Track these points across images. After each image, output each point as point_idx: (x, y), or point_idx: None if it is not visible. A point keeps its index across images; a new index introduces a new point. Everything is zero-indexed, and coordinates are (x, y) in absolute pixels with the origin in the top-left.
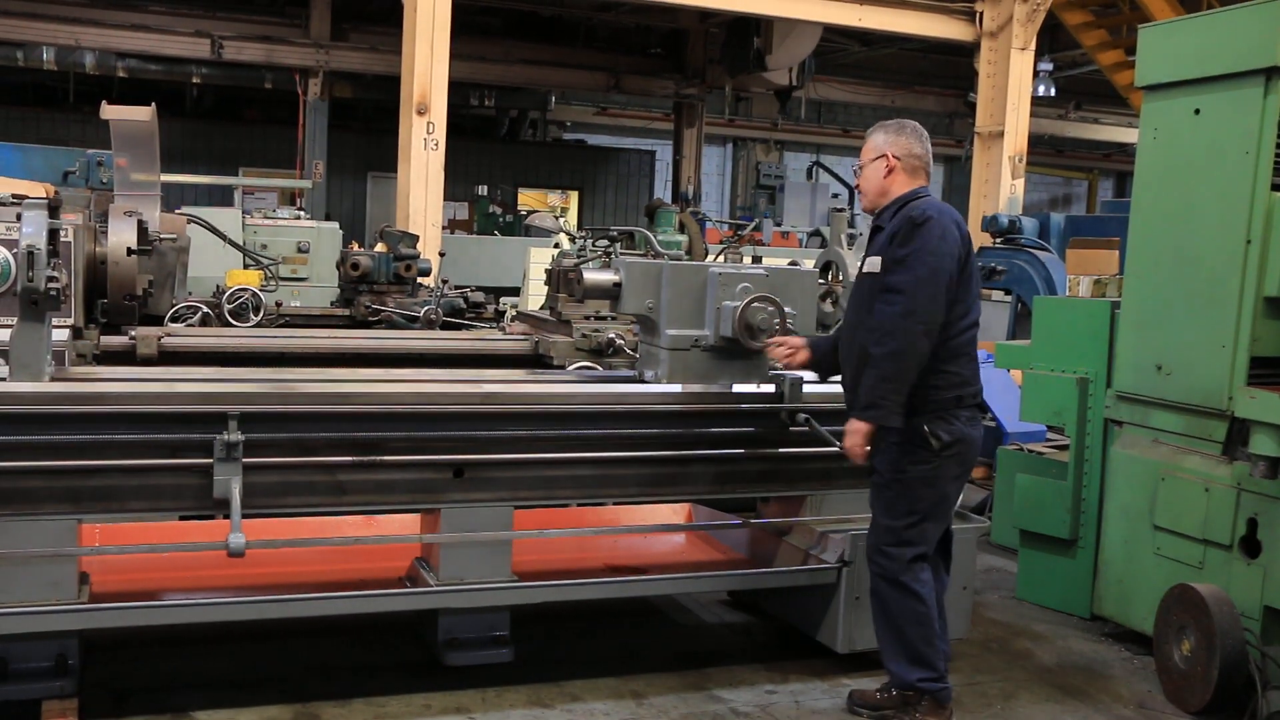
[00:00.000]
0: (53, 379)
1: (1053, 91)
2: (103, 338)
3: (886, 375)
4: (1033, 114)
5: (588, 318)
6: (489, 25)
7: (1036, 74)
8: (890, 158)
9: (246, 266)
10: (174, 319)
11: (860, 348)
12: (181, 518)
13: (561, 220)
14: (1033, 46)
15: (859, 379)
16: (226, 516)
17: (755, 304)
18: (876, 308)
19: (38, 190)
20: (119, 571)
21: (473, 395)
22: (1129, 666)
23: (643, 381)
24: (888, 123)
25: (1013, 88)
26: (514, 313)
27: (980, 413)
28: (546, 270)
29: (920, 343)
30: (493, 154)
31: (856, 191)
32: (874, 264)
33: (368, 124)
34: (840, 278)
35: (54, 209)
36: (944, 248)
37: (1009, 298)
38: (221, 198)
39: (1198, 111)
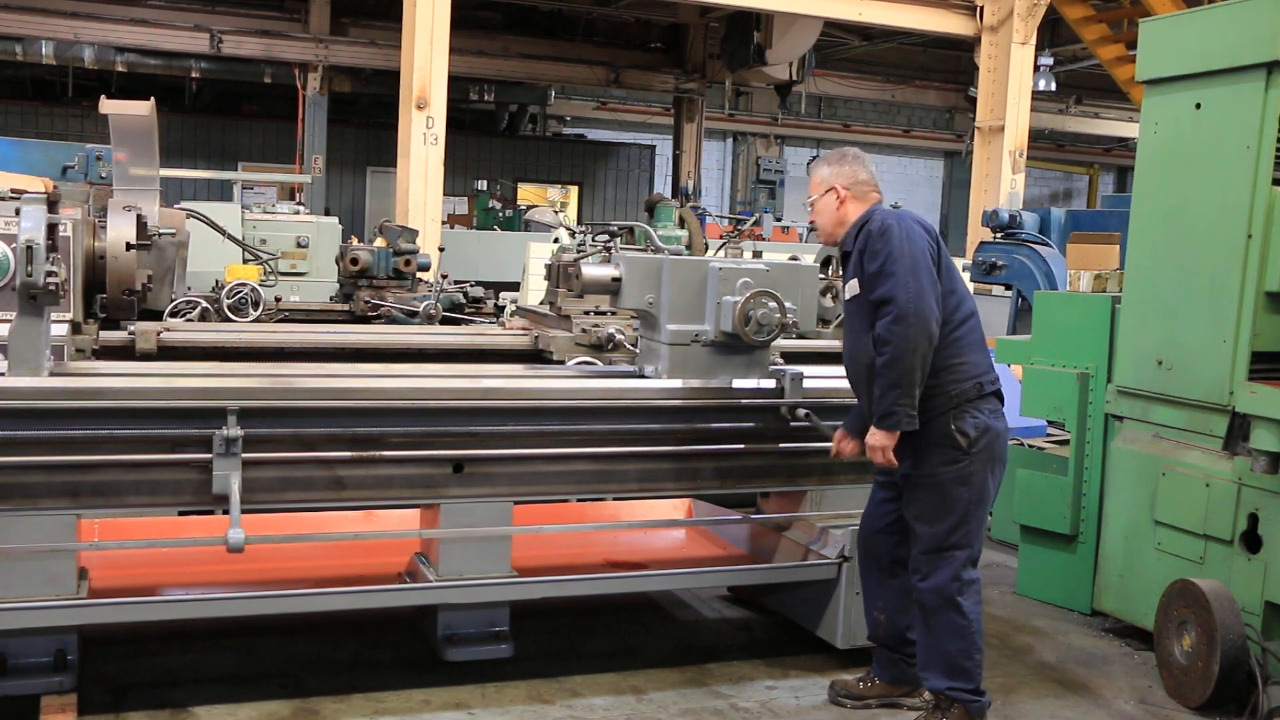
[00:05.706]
0: (52, 374)
1: (1053, 86)
2: (101, 333)
3: (893, 382)
4: (1033, 108)
5: (587, 313)
6: (488, 20)
7: (1037, 68)
8: (840, 189)
9: (246, 261)
10: (173, 314)
11: (864, 368)
12: (180, 513)
13: (561, 215)
14: (1033, 41)
15: (872, 398)
16: (225, 512)
17: (755, 299)
18: (876, 324)
19: (36, 185)
20: (118, 567)
21: (472, 390)
22: (1129, 662)
23: (643, 377)
24: (828, 154)
25: (1013, 82)
26: (513, 308)
27: (1000, 403)
28: (546, 265)
29: (919, 341)
30: (492, 149)
31: (811, 226)
32: (853, 287)
33: (367, 119)
34: (840, 272)
35: (52, 204)
36: (913, 244)
37: (1009, 293)
38: (221, 192)
39: (1199, 106)
